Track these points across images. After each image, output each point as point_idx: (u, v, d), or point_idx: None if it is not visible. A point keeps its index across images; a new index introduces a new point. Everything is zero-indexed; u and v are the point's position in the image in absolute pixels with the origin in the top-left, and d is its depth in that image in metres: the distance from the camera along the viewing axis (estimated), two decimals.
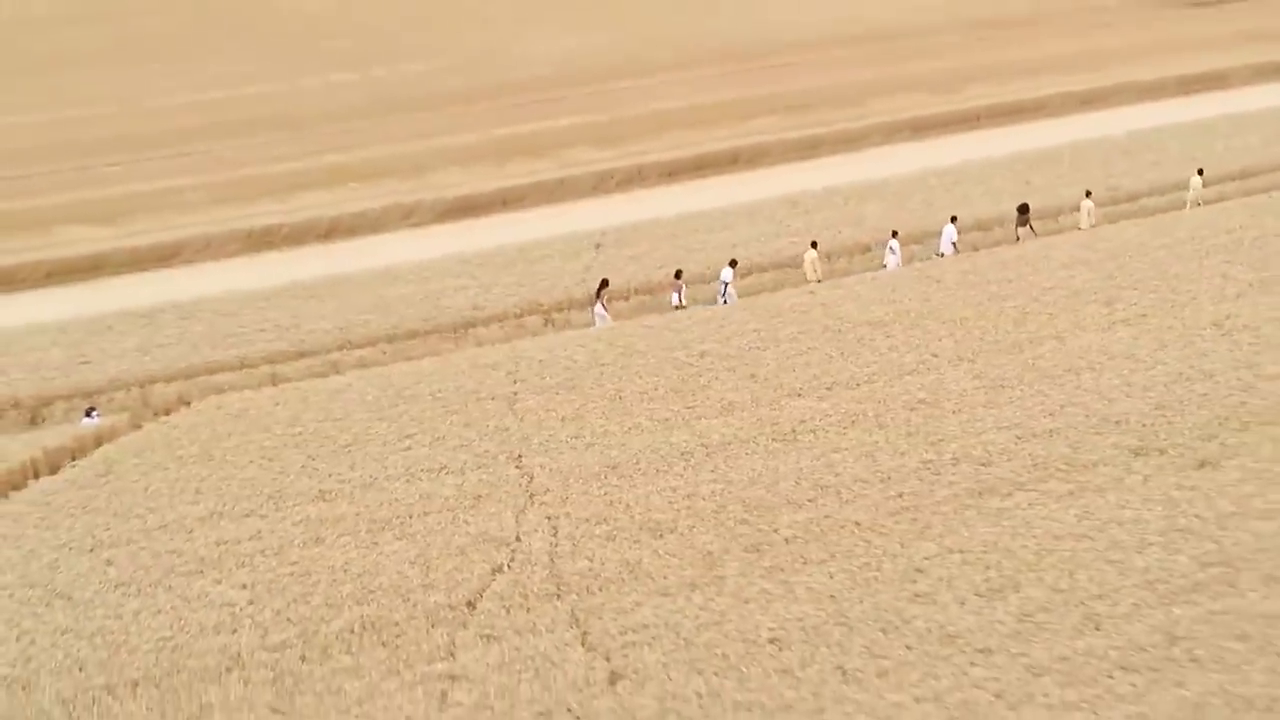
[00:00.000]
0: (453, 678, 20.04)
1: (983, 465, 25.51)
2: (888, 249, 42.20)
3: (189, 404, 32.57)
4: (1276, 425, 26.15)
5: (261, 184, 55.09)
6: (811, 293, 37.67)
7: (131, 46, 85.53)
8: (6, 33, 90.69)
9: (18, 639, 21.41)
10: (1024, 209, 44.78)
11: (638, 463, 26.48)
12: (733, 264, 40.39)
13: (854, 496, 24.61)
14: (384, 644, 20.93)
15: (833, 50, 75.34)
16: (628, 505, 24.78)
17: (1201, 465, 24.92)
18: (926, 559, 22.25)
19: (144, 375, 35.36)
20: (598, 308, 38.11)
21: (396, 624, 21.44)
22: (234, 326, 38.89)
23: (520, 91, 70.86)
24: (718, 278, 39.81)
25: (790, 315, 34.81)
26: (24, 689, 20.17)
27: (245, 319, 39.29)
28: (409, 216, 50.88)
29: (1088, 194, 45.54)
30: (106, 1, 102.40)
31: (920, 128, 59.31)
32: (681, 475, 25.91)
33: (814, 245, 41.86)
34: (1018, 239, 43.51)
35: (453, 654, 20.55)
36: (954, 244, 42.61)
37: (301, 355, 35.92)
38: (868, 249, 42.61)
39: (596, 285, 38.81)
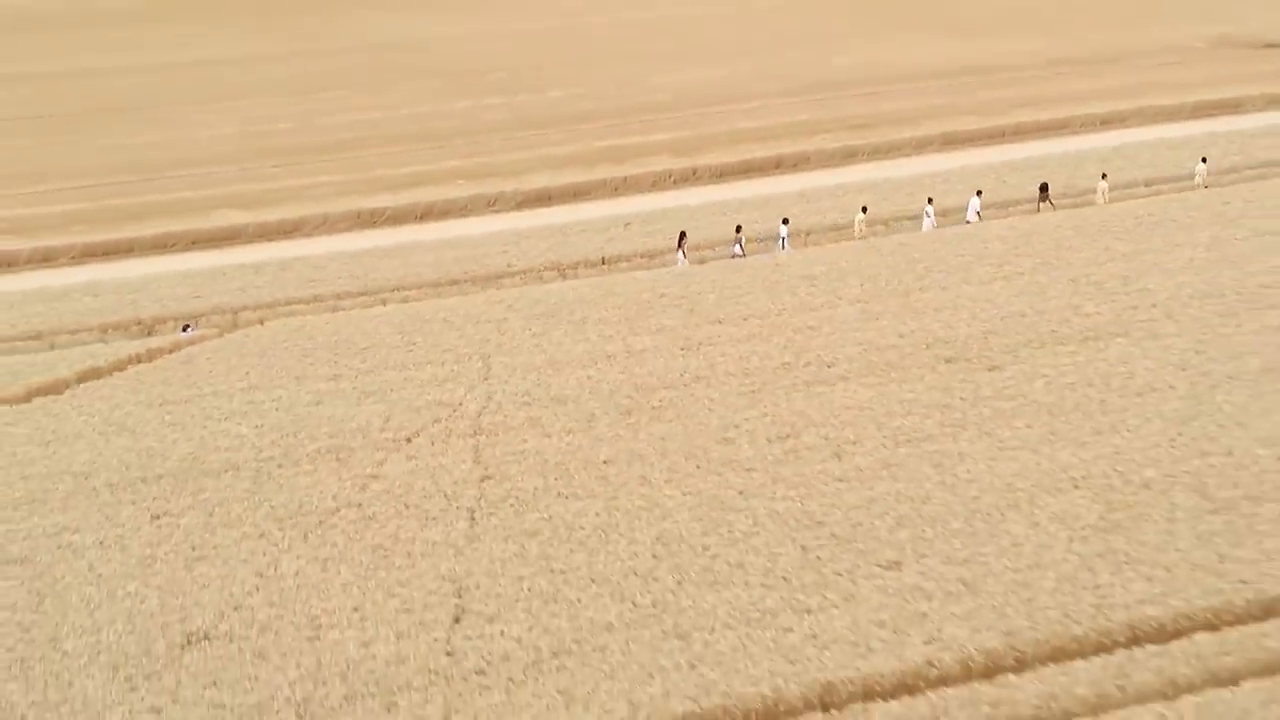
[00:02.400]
0: (375, 477, 27.53)
1: (827, 366, 32.23)
2: (924, 214, 48.99)
3: (262, 323, 40.76)
4: (1067, 344, 32.37)
5: (386, 181, 63.38)
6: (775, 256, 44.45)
7: (316, 79, 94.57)
8: (216, 68, 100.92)
9: (86, 453, 29.43)
10: (1044, 187, 51.08)
11: (570, 362, 33.63)
12: (785, 221, 47.58)
13: (717, 384, 31.52)
14: (338, 459, 28.49)
15: (922, 82, 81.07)
16: (549, 387, 31.98)
17: (991, 369, 31.34)
18: (745, 419, 29.16)
19: (238, 305, 43.66)
20: (679, 254, 45.67)
21: (351, 449, 28.99)
22: (318, 274, 47.11)
23: (635, 114, 77.96)
24: (776, 233, 47.33)
25: (746, 272, 41.67)
26: (87, 478, 28.14)
27: (329, 270, 47.53)
28: (492, 204, 58.80)
29: (1103, 176, 51.77)
30: (304, 43, 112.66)
31: (950, 141, 65.56)
32: (599, 369, 32.98)
33: (864, 210, 49.11)
34: (1039, 210, 49.79)
35: (381, 466, 28.03)
36: (978, 213, 49.14)
37: (362, 294, 43.88)
38: (915, 216, 49.51)
39: (678, 236, 46.66)
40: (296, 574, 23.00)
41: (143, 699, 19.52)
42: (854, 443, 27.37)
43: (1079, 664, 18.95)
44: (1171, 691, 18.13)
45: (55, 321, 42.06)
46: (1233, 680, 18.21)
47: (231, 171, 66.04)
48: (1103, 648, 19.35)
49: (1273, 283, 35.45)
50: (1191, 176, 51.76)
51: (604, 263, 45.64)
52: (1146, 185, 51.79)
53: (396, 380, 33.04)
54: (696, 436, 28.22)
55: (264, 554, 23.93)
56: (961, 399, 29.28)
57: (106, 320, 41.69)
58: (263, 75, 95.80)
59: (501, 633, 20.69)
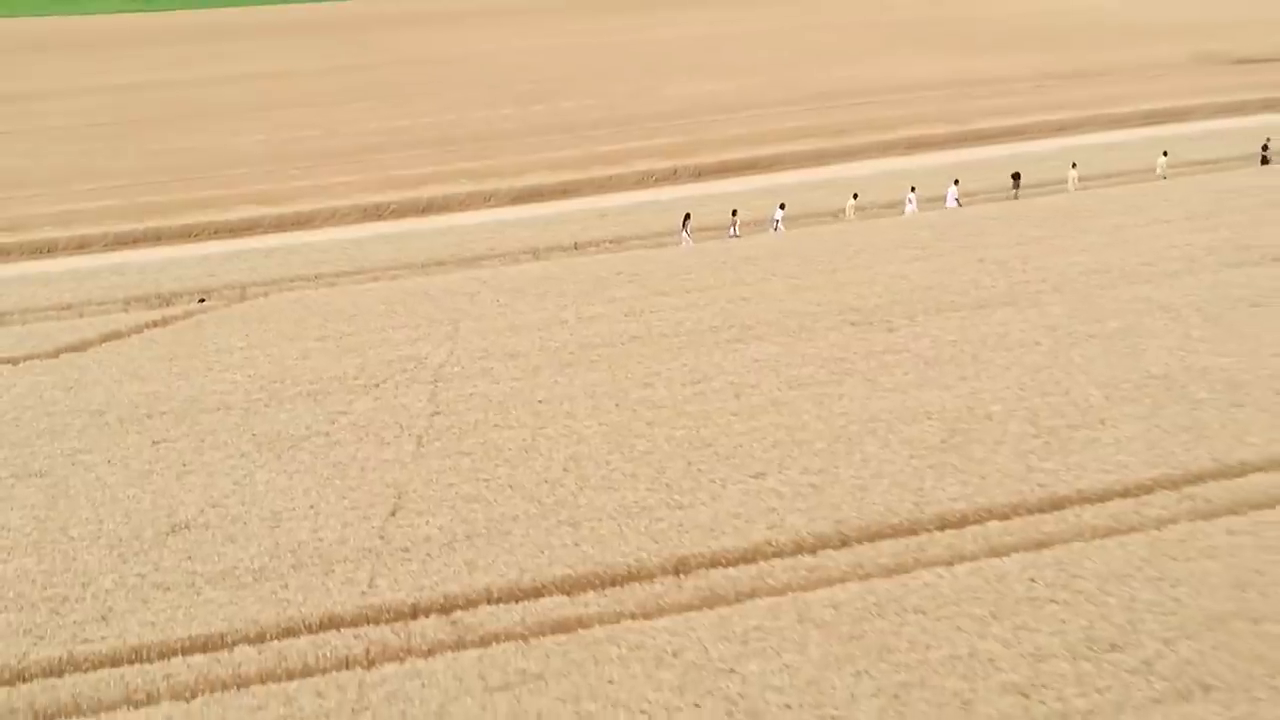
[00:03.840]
0: (344, 413, 31.73)
1: (748, 328, 36.21)
2: (907, 200, 53.64)
3: (266, 296, 45.22)
4: (960, 311, 36.33)
5: (398, 181, 67.86)
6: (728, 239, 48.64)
7: (350, 92, 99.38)
8: (258, 82, 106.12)
9: (102, 396, 33.68)
10: (1016, 176, 55.49)
11: (527, 326, 37.72)
12: (781, 206, 52.40)
13: (650, 343, 35.50)
14: (315, 400, 32.67)
15: (910, 94, 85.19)
16: (505, 345, 36.10)
17: (888, 330, 35.39)
18: (666, 369, 33.17)
19: (247, 282, 48.11)
20: (684, 234, 50.13)
21: (328, 392, 33.16)
22: (321, 258, 51.59)
23: (640, 121, 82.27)
24: (771, 216, 52.15)
25: (700, 254, 45.87)
26: (101, 414, 32.48)
27: (331, 254, 52.00)
28: (488, 200, 63.27)
29: (1073, 165, 56.36)
30: (344, 59, 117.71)
31: (914, 145, 69.79)
32: (550, 333, 37.01)
33: (855, 196, 54.29)
34: (1015, 197, 54.80)
35: (351, 404, 32.30)
36: (957, 200, 53.88)
37: (358, 272, 48.31)
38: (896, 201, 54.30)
39: (682, 218, 51.24)
40: (267, 483, 27.21)
41: (131, 569, 23.67)
42: (753, 386, 31.34)
43: (888, 543, 22.96)
44: (955, 560, 22.11)
45: (84, 295, 46.56)
46: (1005, 553, 22.20)
47: (257, 173, 70.65)
48: (911, 532, 23.32)
49: (1153, 260, 39.24)
50: (1154, 169, 55.88)
51: (575, 247, 49.66)
52: (1107, 177, 55.96)
53: (375, 340, 37.21)
54: (622, 382, 32.25)
55: (242, 469, 28.11)
56: (855, 353, 33.22)
57: (130, 294, 46.14)
58: (300, 88, 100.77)
59: (427, 523, 24.81)
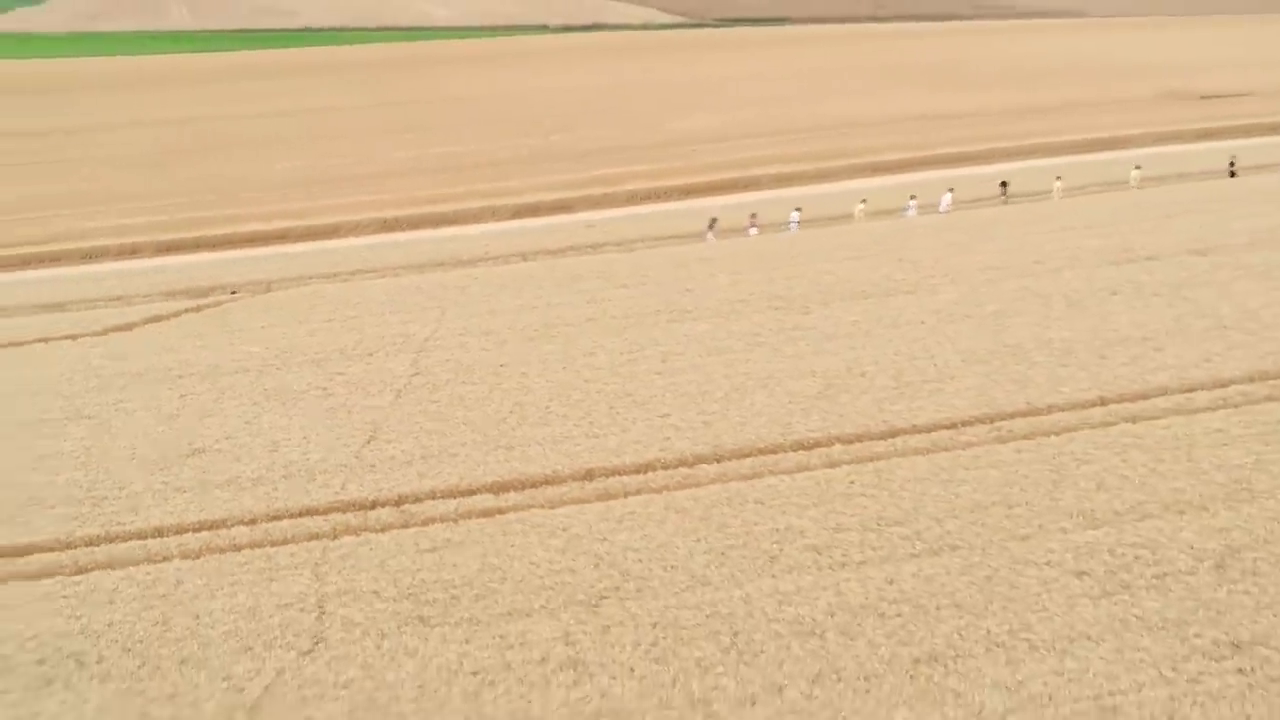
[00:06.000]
0: (340, 374, 37.35)
1: (686, 312, 41.67)
2: (908, 207, 60.59)
3: (287, 290, 51.17)
4: (868, 299, 41.66)
5: (415, 200, 73.77)
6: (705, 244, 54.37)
7: (390, 124, 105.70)
8: (304, 116, 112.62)
9: (140, 362, 39.32)
10: (1004, 184, 61.36)
11: (504, 311, 43.13)
12: (798, 209, 59.30)
13: (604, 323, 40.87)
14: (317, 365, 38.29)
15: (888, 125, 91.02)
16: (480, 325, 41.53)
17: (804, 313, 40.80)
18: (611, 344, 38.42)
19: (273, 279, 54.06)
20: (709, 235, 56.95)
21: (329, 359, 38.67)
22: (340, 260, 57.45)
23: (641, 149, 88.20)
24: (788, 218, 59.40)
25: (667, 256, 51.53)
26: (140, 375, 38.29)
27: (348, 256, 57.87)
28: (492, 214, 69.34)
29: (1058, 178, 62.50)
30: (389, 95, 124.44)
31: (879, 169, 75.53)
32: (521, 316, 42.45)
33: (863, 201, 61.11)
34: (1005, 202, 61.52)
35: (347, 368, 37.98)
36: (949, 206, 60.45)
37: (369, 271, 54.21)
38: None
39: (709, 221, 58.21)
40: (270, 423, 32.87)
41: (157, 479, 29.29)
42: (679, 354, 36.74)
43: (750, 460, 28.45)
44: (798, 470, 27.61)
45: (132, 289, 52.51)
46: (838, 464, 27.68)
47: (290, 194, 76.75)
48: (771, 452, 28.76)
49: (1044, 259, 44.56)
50: (1127, 181, 62.59)
51: (560, 252, 55.38)
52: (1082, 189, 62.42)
53: (373, 322, 42.83)
54: (571, 352, 37.72)
55: (251, 413, 33.73)
56: (769, 330, 38.60)
57: (170, 288, 52.05)
58: (337, 122, 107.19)
59: (394, 448, 30.37)
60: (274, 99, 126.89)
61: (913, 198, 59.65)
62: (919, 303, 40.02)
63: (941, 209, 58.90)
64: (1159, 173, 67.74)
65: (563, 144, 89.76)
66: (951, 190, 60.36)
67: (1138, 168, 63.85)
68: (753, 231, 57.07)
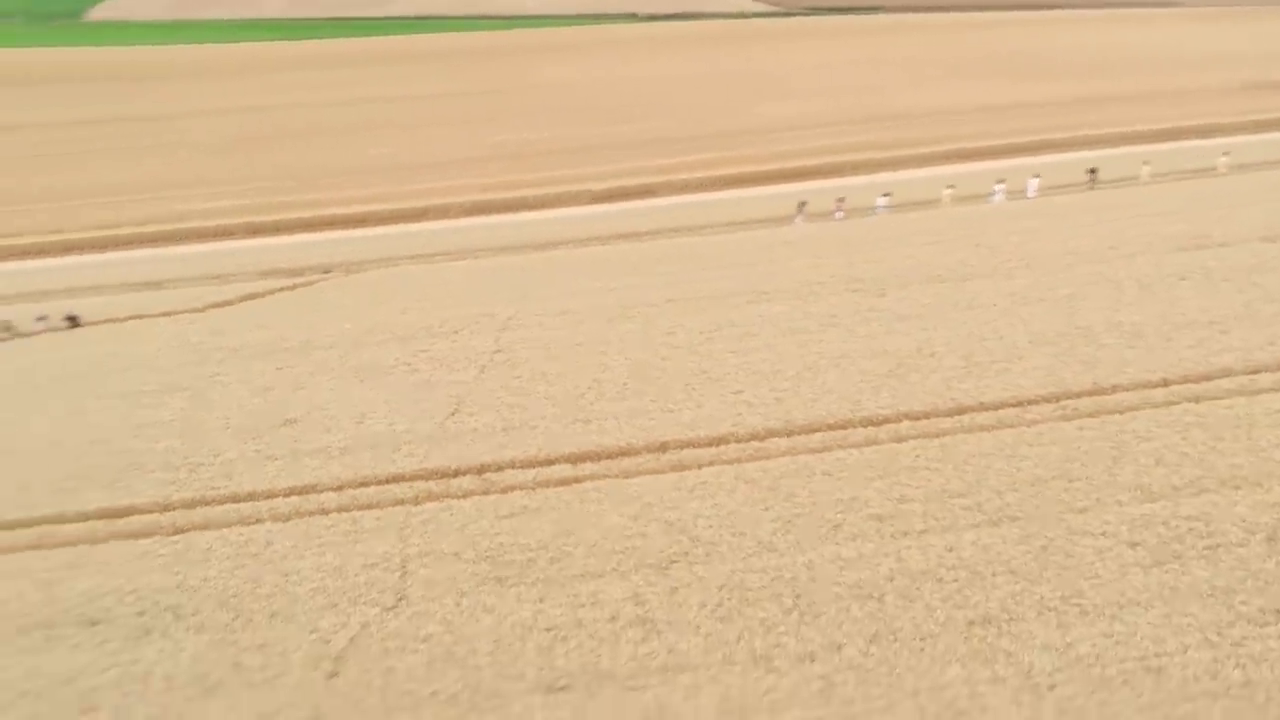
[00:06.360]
0: (425, 351, 38.44)
1: (764, 293, 42.57)
2: (994, 191, 61.75)
3: (376, 270, 52.65)
4: (945, 282, 42.29)
5: (501, 185, 75.36)
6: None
7: (475, 112, 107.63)
8: (396, 103, 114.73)
9: (236, 338, 40.89)
10: (1093, 170, 61.92)
11: (582, 293, 44.12)
12: (886, 194, 60.20)
13: (683, 304, 41.82)
14: (403, 342, 39.48)
15: (983, 112, 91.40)
16: (561, 306, 42.51)
17: (879, 295, 41.46)
18: (691, 323, 39.49)
19: (361, 260, 55.48)
20: (797, 219, 58.40)
21: (415, 337, 39.75)
22: (426, 242, 58.91)
23: (724, 137, 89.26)
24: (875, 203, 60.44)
25: (755, 239, 52.43)
26: (235, 350, 39.79)
27: (434, 239, 59.31)
28: (578, 199, 70.66)
29: (1145, 164, 63.79)
30: (478, 84, 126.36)
31: (967, 155, 76.04)
32: (600, 297, 43.48)
33: (950, 187, 62.21)
34: (1091, 187, 62.19)
35: (433, 345, 39.17)
36: (1036, 192, 61.19)
37: (456, 253, 55.56)
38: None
39: (797, 205, 59.71)
40: (359, 396, 34.06)
41: (250, 448, 30.58)
42: (754, 335, 37.52)
43: (820, 434, 29.31)
44: (866, 444, 28.42)
45: (229, 268, 54.27)
46: (905, 439, 28.48)
47: (380, 179, 78.48)
48: (841, 428, 29.60)
49: (1118, 244, 44.89)
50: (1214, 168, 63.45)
51: (642, 235, 56.45)
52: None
53: (458, 301, 44.05)
54: (650, 331, 38.64)
55: (341, 387, 34.96)
56: (845, 311, 39.29)
57: (266, 268, 53.72)
58: (433, 109, 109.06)
59: (476, 420, 31.45)
60: (365, 86, 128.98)
61: (999, 183, 60.11)
62: (993, 286, 40.49)
63: (1029, 195, 59.42)
64: (1246, 160, 67.61)
65: (646, 131, 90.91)
66: (1038, 176, 60.78)
67: (1225, 154, 64.03)
68: (839, 215, 57.87)
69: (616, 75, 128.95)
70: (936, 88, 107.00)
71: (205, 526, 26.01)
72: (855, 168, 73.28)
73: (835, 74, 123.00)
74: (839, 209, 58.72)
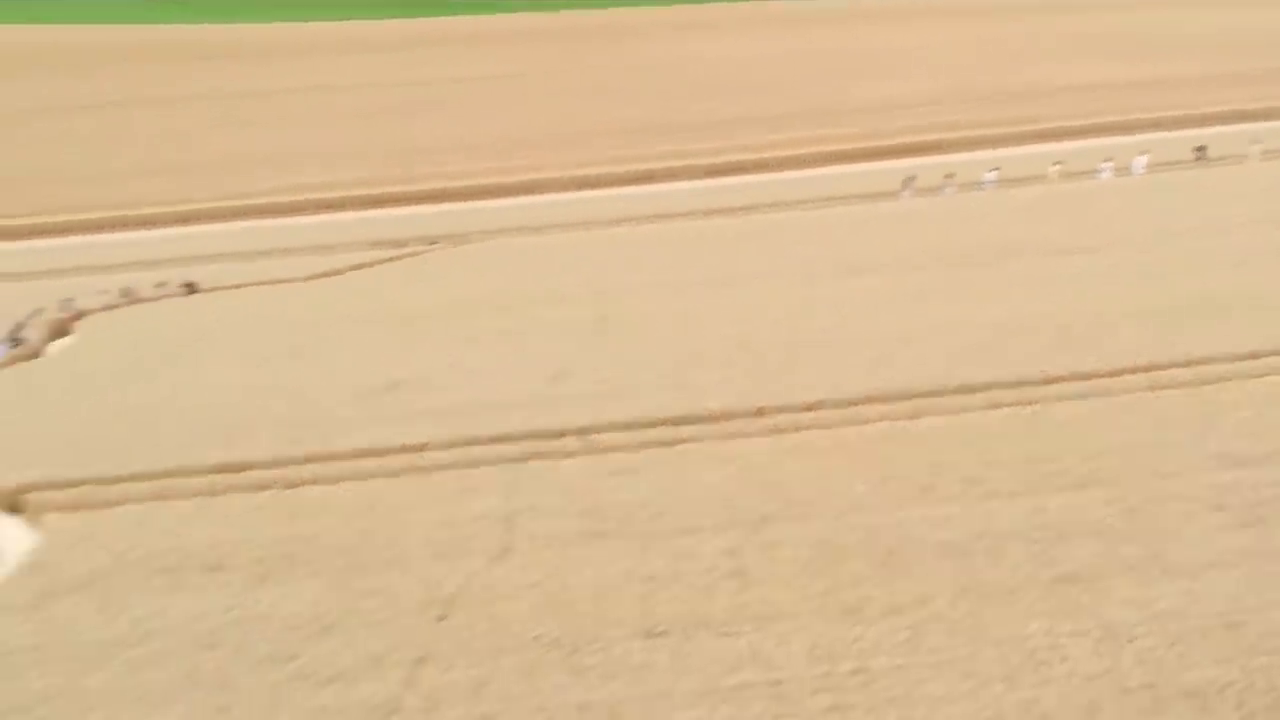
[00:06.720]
0: (533, 319, 39.70)
1: (860, 266, 43.36)
2: (1102, 167, 61.02)
3: (482, 242, 53.95)
4: (1039, 256, 42.70)
5: (609, 159, 76.51)
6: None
7: (583, 88, 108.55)
8: (513, 80, 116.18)
9: (343, 306, 42.45)
10: (1201, 148, 61.55)
11: (676, 265, 45.26)
12: (995, 169, 60.55)
13: (778, 276, 42.69)
14: (508, 311, 40.54)
15: (1089, 90, 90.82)
16: (661, 278, 43.60)
17: (973, 268, 42.05)
18: (785, 294, 40.40)
19: (469, 231, 56.54)
20: (905, 193, 58.62)
21: (519, 307, 40.97)
22: (532, 214, 60.10)
23: (830, 114, 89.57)
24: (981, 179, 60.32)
25: (846, 215, 53.08)
26: (341, 318, 41.20)
27: (541, 212, 60.59)
28: (683, 174, 71.54)
29: (1255, 142, 62.40)
30: (595, 59, 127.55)
31: (1074, 133, 75.97)
32: (693, 270, 44.40)
33: (1058, 163, 61.46)
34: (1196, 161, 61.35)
35: (536, 314, 40.23)
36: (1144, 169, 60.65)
37: (561, 225, 56.61)
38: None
39: (904, 180, 59.47)
40: (467, 361, 35.08)
41: (361, 408, 31.89)
42: (853, 305, 38.23)
43: (912, 401, 29.95)
44: (959, 411, 29.09)
45: (337, 238, 55.74)
46: (995, 408, 29.09)
47: (488, 153, 79.75)
48: (934, 394, 30.18)
49: (1216, 220, 45.05)
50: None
51: (745, 210, 57.24)
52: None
53: (563, 270, 45.14)
54: (748, 302, 39.33)
55: (445, 353, 36.14)
56: (942, 283, 39.84)
57: (373, 239, 55.17)
58: (539, 86, 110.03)
59: (579, 385, 32.31)
60: (473, 64, 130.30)
61: (1107, 160, 60.01)
62: (1091, 260, 40.87)
63: (1136, 172, 59.34)
64: None
65: (752, 108, 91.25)
66: (1146, 153, 60.57)
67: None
68: (948, 190, 58.25)
69: (718, 54, 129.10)
70: (1039, 67, 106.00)
71: (318, 481, 27.21)
72: (961, 144, 73.17)
73: (936, 54, 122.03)
74: (947, 183, 58.95)
